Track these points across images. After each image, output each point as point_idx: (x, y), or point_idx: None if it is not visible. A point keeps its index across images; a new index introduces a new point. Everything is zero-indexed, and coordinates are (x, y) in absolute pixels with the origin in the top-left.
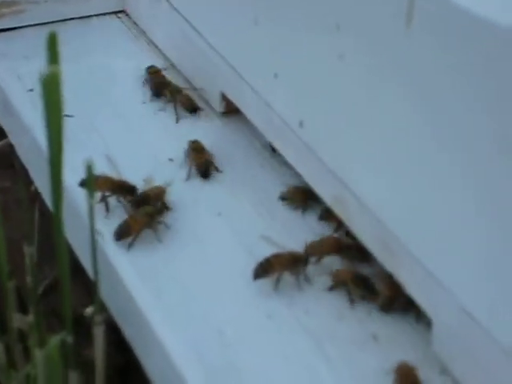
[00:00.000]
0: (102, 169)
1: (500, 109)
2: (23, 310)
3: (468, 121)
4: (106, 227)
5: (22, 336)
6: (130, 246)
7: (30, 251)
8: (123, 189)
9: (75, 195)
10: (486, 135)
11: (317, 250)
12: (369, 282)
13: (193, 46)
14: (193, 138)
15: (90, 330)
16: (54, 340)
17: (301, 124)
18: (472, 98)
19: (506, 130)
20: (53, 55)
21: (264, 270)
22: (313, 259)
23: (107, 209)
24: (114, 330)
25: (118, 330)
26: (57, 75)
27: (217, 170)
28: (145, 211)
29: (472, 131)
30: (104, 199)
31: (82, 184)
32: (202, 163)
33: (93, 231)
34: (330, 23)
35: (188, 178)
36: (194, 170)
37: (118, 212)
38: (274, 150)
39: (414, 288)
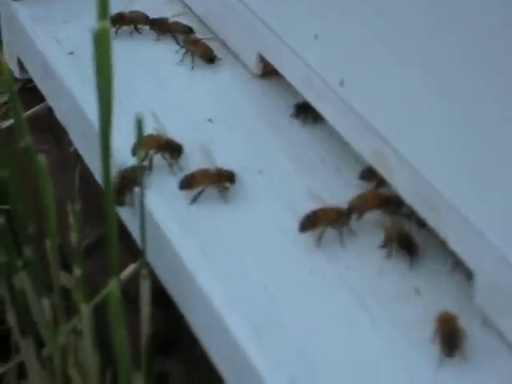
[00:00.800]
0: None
1: None
2: (66, 268)
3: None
4: (150, 186)
5: (66, 294)
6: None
7: (74, 208)
8: (171, 147)
9: (119, 155)
10: None
11: (360, 205)
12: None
13: (229, 8)
14: (230, 99)
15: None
16: (113, 283)
17: (341, 83)
18: None
19: None
20: (103, 10)
21: (311, 222)
22: (356, 215)
23: (150, 167)
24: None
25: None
26: (107, 31)
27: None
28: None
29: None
30: (148, 157)
31: (133, 151)
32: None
33: (142, 191)
34: None
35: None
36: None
37: (162, 170)
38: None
39: (456, 241)
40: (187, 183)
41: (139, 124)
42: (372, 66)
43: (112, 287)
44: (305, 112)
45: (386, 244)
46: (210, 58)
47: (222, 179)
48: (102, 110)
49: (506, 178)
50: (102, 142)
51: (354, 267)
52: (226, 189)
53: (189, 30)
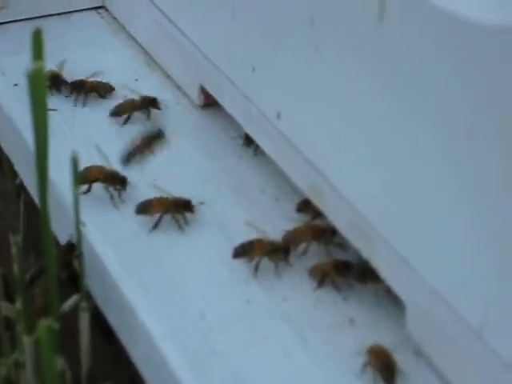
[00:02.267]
0: (88, 160)
1: (470, 98)
2: (9, 299)
3: (441, 109)
4: (91, 218)
5: (9, 325)
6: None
7: (16, 240)
8: (115, 179)
9: (60, 187)
10: (459, 123)
11: (294, 238)
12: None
13: (171, 40)
14: (171, 129)
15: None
16: (43, 324)
17: (278, 116)
18: (445, 88)
19: (475, 118)
20: (37, 51)
21: (244, 250)
22: (294, 247)
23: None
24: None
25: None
26: (41, 70)
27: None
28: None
29: (445, 121)
30: (90, 189)
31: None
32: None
33: (78, 222)
34: (305, 16)
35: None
36: None
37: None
38: (246, 142)
39: (387, 272)
40: (143, 208)
41: (74, 162)
42: (307, 101)
43: (43, 328)
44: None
45: (320, 282)
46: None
47: (179, 207)
48: (38, 145)
49: (435, 212)
50: (39, 175)
51: (291, 297)
52: (183, 218)
53: (110, 88)
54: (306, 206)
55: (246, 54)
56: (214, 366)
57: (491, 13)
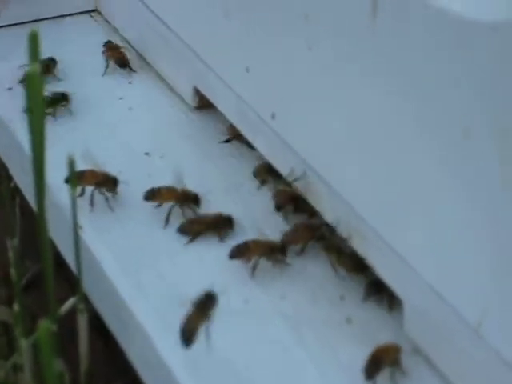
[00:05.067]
0: (82, 164)
1: (465, 95)
2: (6, 304)
3: (435, 106)
4: (87, 221)
5: (7, 329)
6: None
7: (13, 244)
8: (108, 181)
9: (56, 191)
10: (452, 120)
11: (292, 238)
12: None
13: (164, 42)
14: (166, 132)
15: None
16: (43, 324)
17: (273, 116)
18: (439, 85)
19: (470, 118)
20: (34, 53)
21: (240, 252)
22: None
23: (92, 203)
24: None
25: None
26: (38, 72)
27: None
28: None
29: (438, 117)
30: (84, 192)
31: (67, 180)
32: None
33: (75, 225)
34: (298, 15)
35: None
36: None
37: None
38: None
39: (384, 270)
40: (152, 195)
41: (71, 163)
42: (302, 100)
43: (42, 330)
44: None
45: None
46: (122, 64)
47: (188, 199)
48: (35, 149)
49: (431, 209)
50: (36, 177)
51: (289, 296)
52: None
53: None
54: (302, 206)
55: (239, 54)
56: (211, 365)
57: (484, 10)
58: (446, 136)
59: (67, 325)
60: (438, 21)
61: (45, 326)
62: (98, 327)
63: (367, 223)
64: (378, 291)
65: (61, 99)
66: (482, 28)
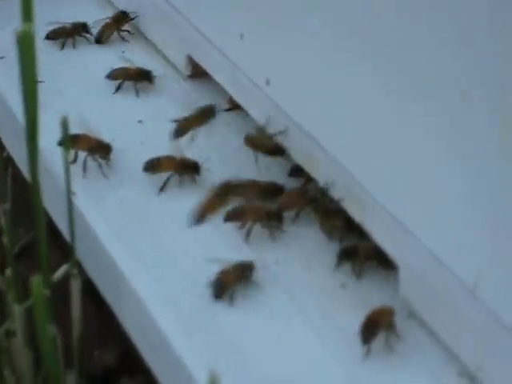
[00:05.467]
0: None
1: (460, 55)
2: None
3: (430, 70)
4: (81, 188)
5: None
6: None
7: (5, 209)
8: (101, 148)
9: (49, 156)
10: (448, 83)
11: (288, 203)
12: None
13: (157, 10)
14: (160, 101)
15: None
16: (35, 281)
17: (267, 82)
18: (432, 47)
19: (466, 79)
20: (27, 13)
21: (236, 215)
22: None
23: (84, 169)
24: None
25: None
26: (31, 33)
27: None
28: None
29: (434, 81)
30: (76, 159)
31: (61, 143)
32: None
33: (69, 191)
34: None
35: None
36: None
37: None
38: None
39: (380, 235)
40: (151, 167)
41: (64, 124)
42: (297, 65)
43: (35, 286)
44: None
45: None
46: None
47: (187, 168)
48: (28, 112)
49: (428, 172)
50: (29, 142)
51: (283, 262)
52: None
53: None
54: (297, 170)
55: (234, 21)
56: (206, 331)
57: None
58: (444, 98)
59: (60, 290)
60: None
61: (37, 281)
62: (91, 292)
63: (364, 188)
64: (350, 258)
65: (80, 29)
66: None
